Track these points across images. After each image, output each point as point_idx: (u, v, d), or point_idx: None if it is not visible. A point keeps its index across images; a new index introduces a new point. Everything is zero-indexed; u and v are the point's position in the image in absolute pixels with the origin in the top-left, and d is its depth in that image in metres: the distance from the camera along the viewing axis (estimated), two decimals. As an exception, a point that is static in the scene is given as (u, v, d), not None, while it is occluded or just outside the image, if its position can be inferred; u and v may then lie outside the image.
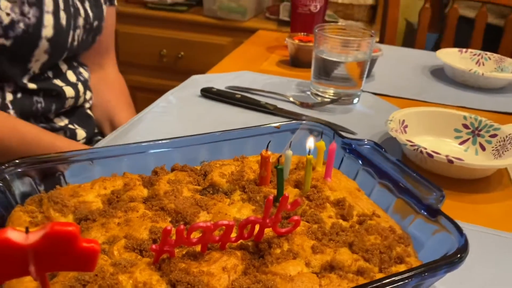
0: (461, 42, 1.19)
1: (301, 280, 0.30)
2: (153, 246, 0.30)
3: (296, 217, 0.34)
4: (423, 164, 0.53)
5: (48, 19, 0.62)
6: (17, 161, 0.36)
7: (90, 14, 0.72)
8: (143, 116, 0.62)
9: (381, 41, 1.38)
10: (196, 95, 0.68)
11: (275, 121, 0.48)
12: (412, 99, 0.74)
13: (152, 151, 0.42)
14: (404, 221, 0.37)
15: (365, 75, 0.69)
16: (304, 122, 0.46)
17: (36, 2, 0.60)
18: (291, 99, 0.69)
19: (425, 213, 0.36)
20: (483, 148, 0.57)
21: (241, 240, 0.33)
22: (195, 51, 1.70)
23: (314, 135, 0.45)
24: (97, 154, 0.40)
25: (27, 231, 0.22)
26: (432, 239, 0.35)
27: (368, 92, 0.75)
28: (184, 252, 0.31)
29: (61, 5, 0.65)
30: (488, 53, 0.89)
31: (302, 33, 0.86)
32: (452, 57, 0.87)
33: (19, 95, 0.65)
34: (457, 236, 0.33)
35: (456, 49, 0.90)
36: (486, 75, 0.78)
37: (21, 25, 0.59)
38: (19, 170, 0.36)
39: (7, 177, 0.35)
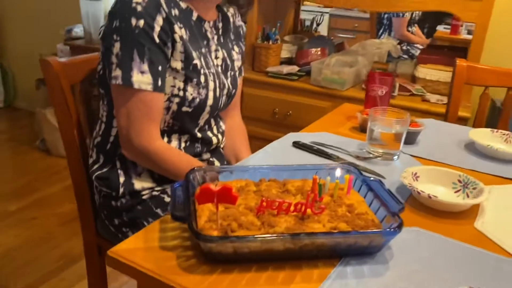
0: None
1: (318, 230, 0.68)
2: (256, 207, 0.70)
3: (323, 206, 0.71)
4: (419, 199, 0.86)
5: (211, 95, 1.07)
6: (203, 167, 0.79)
7: (230, 86, 1.16)
8: (256, 154, 1.04)
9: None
10: (290, 145, 1.10)
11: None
12: (438, 161, 1.06)
13: (260, 170, 0.83)
14: (381, 217, 0.73)
15: (402, 141, 1.04)
16: (342, 164, 0.84)
17: (205, 86, 1.05)
18: (351, 153, 1.07)
19: (391, 214, 0.71)
20: (468, 195, 0.89)
21: (295, 212, 0.71)
22: (301, 111, 2.11)
23: (345, 171, 0.82)
24: (234, 169, 0.83)
25: (215, 185, 0.64)
26: (391, 226, 0.70)
27: (408, 154, 1.09)
28: (268, 213, 0.71)
29: (217, 85, 1.09)
30: (515, 134, 1.17)
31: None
32: (483, 135, 1.17)
33: (188, 143, 1.10)
34: (399, 223, 0.67)
35: (488, 129, 1.20)
36: (499, 150, 1.07)
37: (197, 100, 1.04)
38: (202, 172, 0.79)
39: (197, 174, 0.78)
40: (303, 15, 2.84)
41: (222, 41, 1.15)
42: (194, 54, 1.02)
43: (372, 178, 0.80)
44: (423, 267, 0.68)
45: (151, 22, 0.93)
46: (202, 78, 1.04)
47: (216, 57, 1.12)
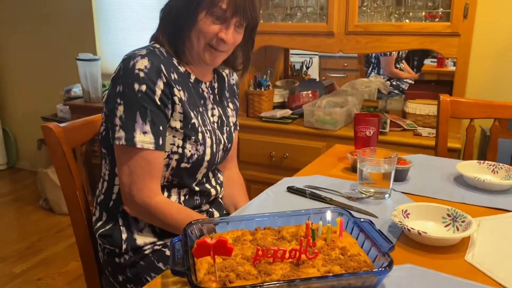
0: None
1: (312, 275, 0.71)
2: (253, 256, 0.73)
3: (316, 251, 0.75)
4: (410, 236, 0.89)
5: (208, 151, 1.12)
6: (199, 220, 0.83)
7: (226, 141, 1.22)
8: (252, 202, 1.08)
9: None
10: (284, 191, 1.13)
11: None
12: (428, 197, 1.10)
13: (255, 219, 0.87)
14: (373, 258, 0.76)
15: (391, 180, 1.08)
16: (333, 207, 0.88)
17: (203, 142, 1.10)
18: (343, 194, 1.11)
19: (381, 254, 0.74)
20: (458, 229, 0.92)
21: (290, 259, 0.74)
22: (296, 152, 2.16)
23: (337, 214, 0.86)
24: (230, 219, 0.86)
25: (211, 238, 0.68)
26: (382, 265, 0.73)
27: (399, 191, 1.13)
28: (264, 261, 0.74)
29: (213, 141, 1.14)
30: (501, 164, 1.22)
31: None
32: (470, 167, 1.21)
33: (187, 197, 1.15)
34: (389, 261, 0.70)
35: (475, 161, 1.25)
36: (486, 181, 1.11)
37: (195, 156, 1.09)
38: (199, 224, 0.83)
39: (195, 227, 0.82)
40: (293, 58, 2.95)
41: (217, 99, 1.22)
42: (192, 114, 1.08)
43: (362, 220, 0.84)
44: (417, 303, 0.70)
45: (153, 87, 1.00)
46: (200, 136, 1.10)
47: (213, 115, 1.19)
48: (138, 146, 1.00)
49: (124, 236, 1.08)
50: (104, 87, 2.85)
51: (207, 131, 1.13)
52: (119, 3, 3.13)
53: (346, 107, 2.17)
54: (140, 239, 1.08)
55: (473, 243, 0.88)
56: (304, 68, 2.83)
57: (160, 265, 1.07)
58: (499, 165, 1.22)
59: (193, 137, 1.08)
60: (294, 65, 2.88)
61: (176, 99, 1.04)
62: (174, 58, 1.10)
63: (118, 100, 1.01)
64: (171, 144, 1.07)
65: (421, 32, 1.95)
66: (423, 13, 2.04)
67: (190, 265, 0.71)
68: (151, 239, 1.09)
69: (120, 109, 1.00)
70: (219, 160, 1.20)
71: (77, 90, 2.97)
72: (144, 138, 1.00)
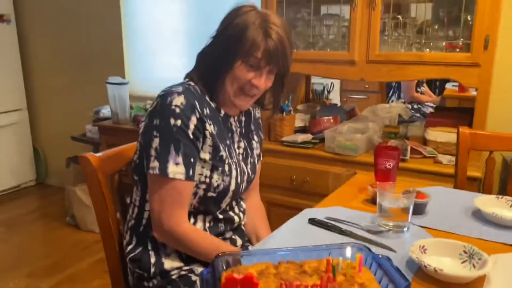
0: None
1: (333, 310, 0.75)
2: (276, 290, 0.78)
3: (336, 286, 0.79)
4: (427, 272, 0.93)
5: (233, 182, 1.19)
6: (226, 252, 0.89)
7: (250, 172, 1.29)
8: (275, 234, 1.13)
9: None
10: (306, 223, 1.18)
11: (349, 241, 0.94)
12: (446, 231, 1.13)
13: (278, 253, 0.92)
14: (391, 295, 0.80)
15: (410, 214, 1.12)
16: (353, 242, 0.93)
17: (229, 174, 1.18)
18: (363, 227, 1.15)
19: (398, 291, 0.78)
20: (474, 266, 0.95)
21: (312, 293, 0.79)
22: (317, 177, 2.19)
23: (357, 250, 0.90)
24: (254, 253, 0.92)
25: (238, 273, 0.73)
26: (400, 303, 0.77)
27: (417, 225, 1.17)
28: (288, 295, 0.79)
29: (238, 172, 1.21)
30: (520, 200, 1.24)
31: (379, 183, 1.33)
32: (488, 202, 1.24)
33: (212, 223, 1.22)
34: (406, 301, 0.75)
35: (494, 196, 1.27)
36: (503, 217, 1.14)
37: (221, 186, 1.17)
38: (226, 256, 0.88)
39: (222, 259, 0.88)
40: (314, 80, 3.00)
41: (243, 132, 1.30)
42: (221, 147, 1.16)
43: (381, 256, 0.88)
44: None
45: (187, 122, 1.08)
46: (227, 167, 1.17)
47: (239, 147, 1.26)
48: (170, 176, 1.07)
49: (152, 260, 1.15)
50: (132, 109, 2.96)
51: (233, 163, 1.20)
52: (147, 27, 3.26)
53: (367, 133, 2.21)
54: (168, 264, 1.15)
55: (489, 281, 0.91)
56: (325, 92, 2.89)
57: None
58: (517, 200, 1.24)
59: (220, 168, 1.15)
60: (315, 89, 2.93)
61: (207, 133, 1.12)
62: (206, 95, 1.18)
63: (155, 133, 1.09)
64: (199, 174, 1.14)
65: (441, 62, 1.98)
66: (444, 43, 2.08)
67: (218, 297, 0.76)
68: (177, 263, 1.16)
69: (156, 141, 1.08)
70: (242, 190, 1.26)
71: (105, 111, 3.09)
72: (176, 169, 1.08)
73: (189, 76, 1.21)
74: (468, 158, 1.62)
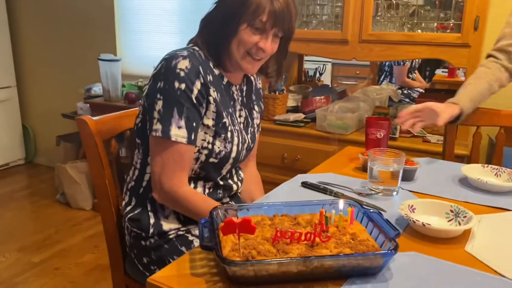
0: None
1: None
2: (272, 237, 0.82)
3: (329, 235, 0.83)
4: (415, 227, 0.97)
5: (234, 149, 1.20)
6: (224, 205, 0.92)
7: (250, 141, 1.30)
8: (268, 195, 1.16)
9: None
10: (299, 185, 1.22)
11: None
12: (433, 195, 1.17)
13: (273, 207, 0.95)
14: (380, 243, 0.83)
15: (399, 178, 1.16)
16: (345, 199, 0.96)
17: (231, 140, 1.19)
18: (354, 190, 1.19)
19: (388, 239, 0.82)
20: (459, 224, 0.99)
21: (305, 241, 0.82)
22: (308, 155, 2.23)
23: (348, 205, 0.94)
24: (250, 206, 0.95)
25: (237, 218, 0.76)
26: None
27: (406, 189, 1.21)
28: (282, 242, 0.82)
29: (240, 140, 1.22)
30: (504, 168, 1.29)
31: (370, 151, 1.36)
32: (475, 170, 1.29)
33: (211, 190, 1.24)
34: (395, 245, 0.78)
35: (479, 165, 1.32)
36: (488, 182, 1.19)
37: (223, 152, 1.18)
38: (223, 209, 0.91)
39: (220, 211, 0.91)
40: (306, 65, 3.03)
41: (245, 101, 1.30)
42: (224, 114, 1.17)
43: (372, 210, 0.92)
44: (419, 285, 0.78)
45: (191, 86, 1.09)
46: (229, 134, 1.18)
47: (240, 116, 1.27)
48: (173, 139, 1.08)
49: (151, 221, 1.17)
50: (124, 87, 2.96)
51: (235, 131, 1.21)
52: (140, 6, 3.25)
53: (358, 113, 2.25)
54: (166, 225, 1.17)
55: (473, 236, 0.96)
56: (317, 75, 2.92)
57: (183, 249, 1.16)
58: (502, 169, 1.29)
59: (223, 135, 1.17)
60: (307, 71, 2.96)
61: (211, 99, 1.13)
62: (210, 61, 1.18)
63: (158, 96, 1.09)
64: (202, 139, 1.15)
65: (432, 42, 2.02)
66: (435, 24, 2.12)
67: (217, 242, 0.79)
68: (175, 225, 1.18)
69: (160, 103, 1.09)
70: (242, 158, 1.29)
71: (97, 89, 3.08)
72: (178, 132, 1.09)
73: (193, 41, 1.21)
74: (455, 134, 1.67)
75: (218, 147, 1.17)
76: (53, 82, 3.73)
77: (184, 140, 1.10)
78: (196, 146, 1.15)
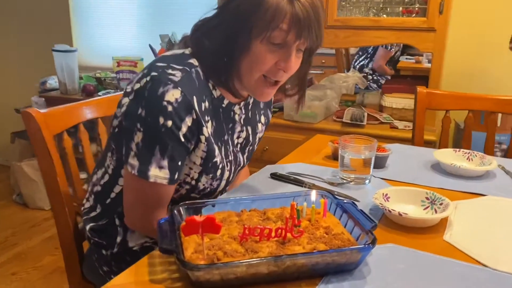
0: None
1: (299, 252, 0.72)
2: (239, 235, 0.74)
3: (301, 230, 0.76)
4: (390, 217, 0.92)
5: (223, 184, 1.04)
6: (186, 202, 0.84)
7: (246, 161, 1.14)
8: (236, 189, 1.09)
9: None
10: (268, 177, 1.15)
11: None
12: (407, 182, 1.13)
13: (240, 202, 0.88)
14: (356, 236, 0.78)
15: (371, 166, 1.11)
16: (317, 190, 0.90)
17: (220, 177, 1.01)
18: (325, 180, 1.13)
19: (364, 232, 0.76)
20: (436, 211, 0.95)
21: (276, 237, 0.76)
22: (276, 145, 2.17)
23: (320, 196, 0.88)
24: (216, 202, 0.87)
25: (200, 216, 0.69)
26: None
27: (378, 177, 1.16)
28: (251, 240, 0.75)
29: (232, 169, 1.05)
30: (476, 152, 1.26)
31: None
32: (447, 155, 1.26)
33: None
34: (372, 239, 0.72)
35: (451, 149, 1.29)
36: (461, 167, 1.15)
37: (208, 189, 1.02)
38: (185, 206, 0.83)
39: (181, 209, 0.83)
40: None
41: (250, 116, 1.09)
42: (216, 150, 0.98)
43: (345, 201, 0.86)
44: (398, 278, 0.73)
45: (179, 123, 0.88)
46: (219, 172, 1.01)
47: (239, 137, 1.08)
48: (151, 180, 0.90)
49: (118, 239, 1.04)
50: (81, 79, 2.81)
51: (228, 164, 1.04)
52: (96, -5, 3.09)
53: (325, 100, 2.20)
54: (132, 242, 1.05)
55: (450, 224, 0.91)
56: (283, 63, 2.85)
57: None
58: (473, 152, 1.26)
59: (211, 174, 1.00)
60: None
61: (202, 138, 0.93)
62: (210, 82, 0.96)
63: (138, 125, 0.88)
64: (185, 174, 0.98)
65: (398, 27, 1.99)
66: (400, 9, 2.09)
67: (178, 244, 0.72)
68: (142, 240, 1.06)
69: (139, 135, 0.88)
70: (232, 179, 1.12)
71: (52, 82, 2.91)
72: (159, 173, 0.90)
73: (190, 45, 0.97)
74: (425, 118, 1.64)
75: (203, 185, 1.01)
76: (5, 75, 3.51)
77: (165, 181, 0.91)
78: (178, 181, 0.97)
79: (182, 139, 0.90)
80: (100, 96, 2.67)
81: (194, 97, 0.90)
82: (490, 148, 1.57)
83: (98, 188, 1.07)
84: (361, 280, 0.72)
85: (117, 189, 1.03)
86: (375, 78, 3.08)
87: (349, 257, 0.72)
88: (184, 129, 0.89)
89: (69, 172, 1.24)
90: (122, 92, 1.48)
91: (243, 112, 1.07)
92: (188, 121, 0.90)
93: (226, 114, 1.02)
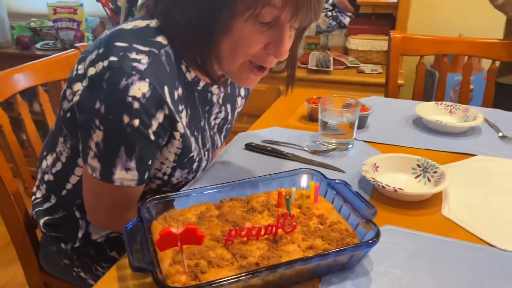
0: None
1: (294, 253, 0.63)
2: (224, 237, 0.64)
3: (294, 224, 0.66)
4: (384, 192, 0.84)
5: (199, 174, 0.91)
6: (155, 197, 0.71)
7: (222, 140, 1.01)
8: (210, 167, 0.96)
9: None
10: (242, 148, 1.03)
11: (293, 166, 0.81)
12: (391, 144, 1.05)
13: (218, 190, 0.76)
14: (354, 224, 0.69)
15: (355, 129, 1.01)
16: (303, 168, 0.80)
17: (197, 169, 0.89)
18: (305, 148, 1.03)
19: (364, 221, 0.67)
20: (429, 180, 0.88)
21: (266, 235, 0.66)
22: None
23: (310, 177, 0.78)
24: (190, 193, 0.75)
25: (177, 228, 0.57)
26: (367, 234, 0.66)
27: (361, 140, 1.07)
28: (238, 241, 0.64)
29: (209, 157, 0.92)
30: (458, 104, 1.19)
31: (315, 97, 1.20)
32: (429, 108, 1.18)
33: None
34: (376, 232, 0.64)
35: (433, 102, 1.21)
36: (449, 124, 1.08)
37: (182, 183, 0.89)
38: (155, 202, 0.71)
39: (150, 205, 0.70)
40: None
41: (229, 91, 0.96)
42: (193, 145, 0.84)
43: (337, 181, 0.76)
44: (405, 272, 0.65)
45: (148, 121, 0.72)
46: (195, 165, 0.88)
47: (216, 118, 0.95)
48: (117, 183, 0.76)
49: (80, 233, 0.91)
50: (14, 29, 2.49)
51: (205, 152, 0.91)
52: None
53: (289, 46, 2.06)
54: (96, 234, 0.93)
55: (446, 196, 0.85)
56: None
57: (114, 253, 0.95)
58: (456, 105, 1.19)
59: (186, 169, 0.87)
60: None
61: (177, 134, 0.79)
62: (183, 63, 0.79)
63: (97, 123, 0.72)
64: (156, 169, 0.85)
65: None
66: None
67: (152, 254, 0.60)
68: (108, 230, 0.94)
69: (99, 134, 0.73)
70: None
71: (-20, 34, 2.57)
72: (125, 176, 0.76)
73: (157, 16, 0.77)
74: (398, 64, 1.55)
75: (177, 179, 0.88)
76: None
77: (133, 183, 0.78)
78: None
79: (152, 137, 0.75)
80: (38, 47, 2.40)
81: (165, 88, 0.74)
82: (465, 94, 1.52)
83: (50, 177, 0.91)
84: (365, 278, 0.64)
85: (73, 179, 0.88)
86: (334, 14, 2.93)
87: (351, 256, 0.63)
88: (154, 126, 0.74)
89: (9, 154, 1.07)
90: (63, 51, 1.28)
91: (222, 90, 0.92)
92: (160, 117, 0.74)
93: (202, 97, 0.87)
